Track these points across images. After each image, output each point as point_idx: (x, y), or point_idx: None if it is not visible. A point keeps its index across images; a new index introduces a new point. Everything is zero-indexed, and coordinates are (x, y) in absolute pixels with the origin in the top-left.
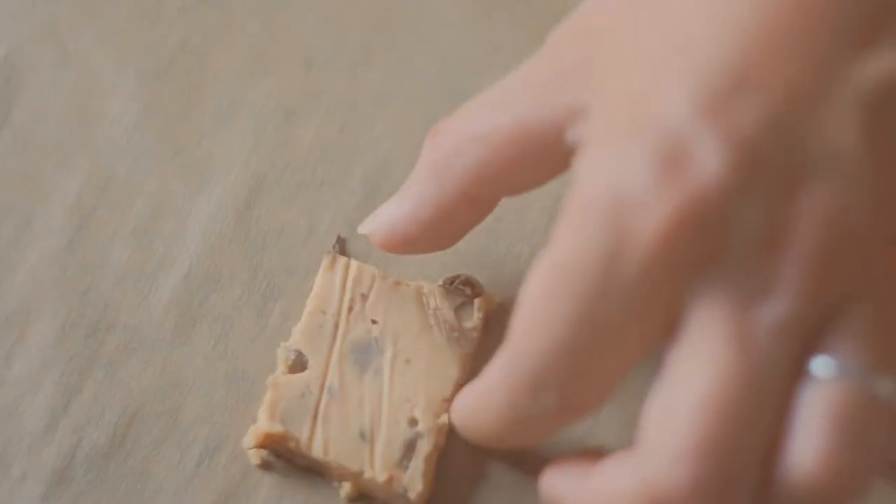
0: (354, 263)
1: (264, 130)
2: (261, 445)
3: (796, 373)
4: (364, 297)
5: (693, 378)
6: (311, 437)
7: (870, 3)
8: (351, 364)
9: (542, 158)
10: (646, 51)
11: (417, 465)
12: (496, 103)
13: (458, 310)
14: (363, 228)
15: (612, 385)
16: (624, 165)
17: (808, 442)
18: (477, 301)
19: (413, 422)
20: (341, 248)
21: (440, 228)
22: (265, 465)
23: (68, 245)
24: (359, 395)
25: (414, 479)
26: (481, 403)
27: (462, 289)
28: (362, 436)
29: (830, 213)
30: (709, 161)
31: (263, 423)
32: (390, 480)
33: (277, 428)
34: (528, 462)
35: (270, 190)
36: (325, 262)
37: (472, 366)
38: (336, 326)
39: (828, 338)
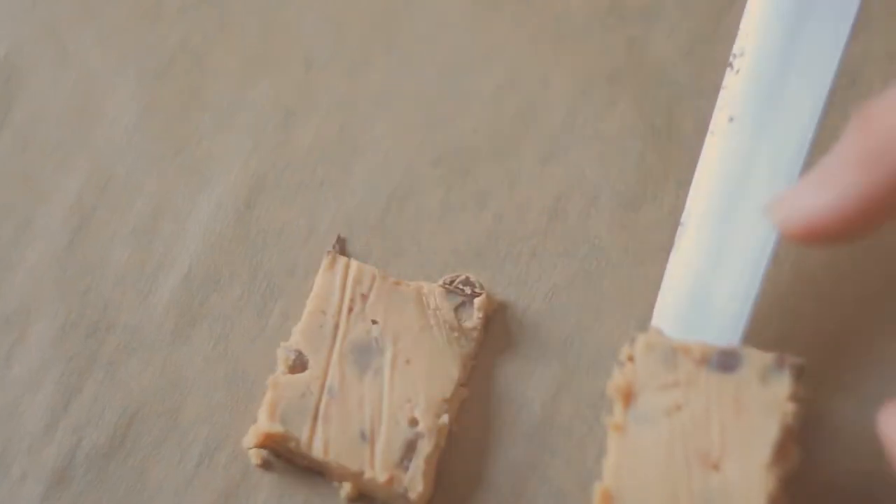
0: (354, 263)
1: (264, 130)
2: (261, 445)
3: None
4: (364, 297)
5: None
6: (311, 437)
7: None
8: (351, 364)
9: None
10: None
11: (418, 465)
12: None
13: (458, 310)
14: (771, 215)
15: None
16: None
17: None
18: (477, 301)
19: (413, 422)
20: (341, 248)
21: (862, 222)
22: (265, 465)
23: (68, 245)
24: (359, 395)
25: (414, 480)
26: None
27: (462, 289)
28: (362, 436)
29: None
30: None
31: (263, 423)
32: (390, 480)
33: (277, 428)
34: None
35: (270, 190)
36: (325, 262)
37: (472, 366)
38: (336, 326)
39: None
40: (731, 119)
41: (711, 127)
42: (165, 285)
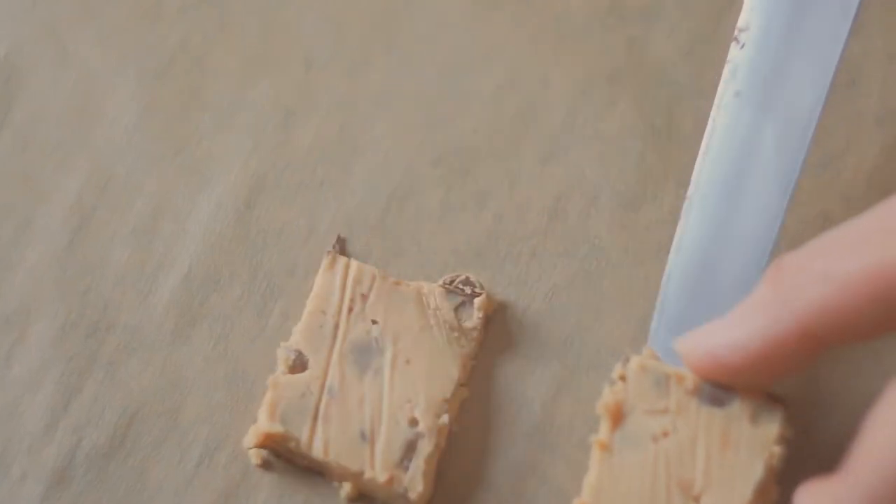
0: (354, 263)
1: (264, 130)
2: (261, 445)
3: None
4: (364, 297)
5: None
6: (311, 437)
7: None
8: (351, 364)
9: (892, 308)
10: None
11: (418, 465)
12: (849, 243)
13: (458, 310)
14: (680, 345)
15: None
16: None
17: None
18: (477, 301)
19: (413, 422)
20: (341, 248)
21: (763, 363)
22: (265, 465)
23: (68, 245)
24: (359, 395)
25: (414, 480)
26: None
27: (462, 289)
28: (362, 436)
29: None
30: None
31: (263, 423)
32: (390, 480)
33: (277, 428)
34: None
35: (270, 190)
36: (325, 262)
37: (472, 366)
38: (336, 326)
39: None
40: (737, 94)
41: (717, 101)
42: (165, 285)
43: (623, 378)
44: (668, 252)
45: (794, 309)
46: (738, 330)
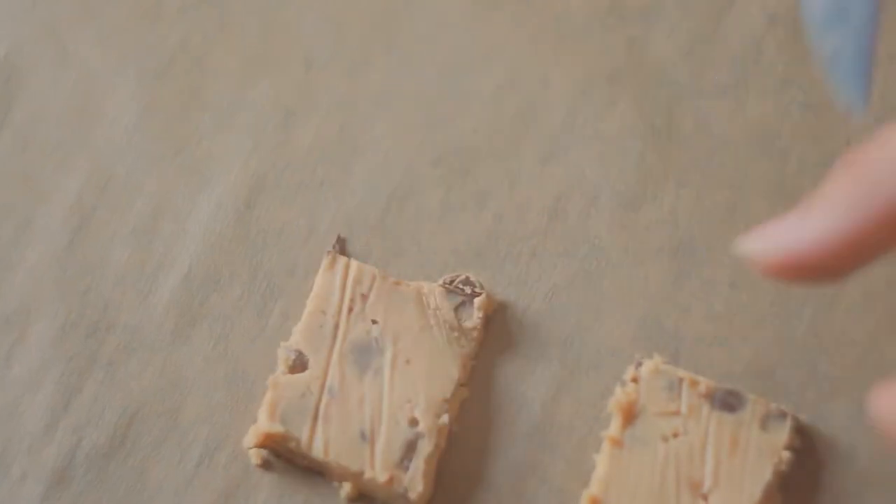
0: (354, 263)
1: (264, 130)
2: (261, 445)
3: None
4: (364, 297)
5: None
6: (311, 437)
7: None
8: (351, 364)
9: None
10: None
11: (418, 465)
12: None
13: (458, 310)
14: (746, 245)
15: None
16: None
17: None
18: (477, 301)
19: (413, 422)
20: (341, 248)
21: (842, 258)
22: (265, 465)
23: (68, 245)
24: (359, 395)
25: (414, 480)
26: None
27: (462, 289)
28: (362, 436)
29: None
30: None
31: (263, 423)
32: (390, 480)
33: (277, 428)
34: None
35: (270, 190)
36: (325, 262)
37: (472, 366)
38: (336, 326)
39: None
40: None
41: None
42: (165, 285)
43: (635, 380)
44: (668, 252)
45: (874, 195)
46: (818, 225)
